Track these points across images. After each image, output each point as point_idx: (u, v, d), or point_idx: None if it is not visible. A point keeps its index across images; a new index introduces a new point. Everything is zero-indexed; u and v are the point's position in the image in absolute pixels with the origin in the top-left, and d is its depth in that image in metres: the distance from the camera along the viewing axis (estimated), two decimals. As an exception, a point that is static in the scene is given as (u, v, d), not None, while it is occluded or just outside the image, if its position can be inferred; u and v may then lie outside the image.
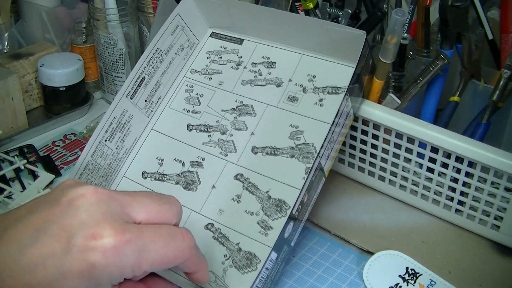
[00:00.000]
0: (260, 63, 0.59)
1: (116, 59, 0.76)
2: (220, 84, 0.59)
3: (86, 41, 0.80)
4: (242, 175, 0.53)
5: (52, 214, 0.35)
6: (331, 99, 0.54)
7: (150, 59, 0.57)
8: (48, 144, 0.72)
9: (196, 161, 0.55)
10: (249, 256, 0.49)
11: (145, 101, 0.57)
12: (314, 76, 0.56)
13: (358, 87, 0.54)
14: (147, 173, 0.56)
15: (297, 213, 0.47)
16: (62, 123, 0.75)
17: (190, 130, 0.57)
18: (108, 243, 0.34)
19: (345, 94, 0.50)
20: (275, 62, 0.58)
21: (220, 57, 0.61)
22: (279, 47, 0.59)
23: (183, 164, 0.55)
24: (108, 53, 0.75)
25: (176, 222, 0.40)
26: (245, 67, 0.59)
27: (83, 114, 0.77)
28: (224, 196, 0.52)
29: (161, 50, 0.58)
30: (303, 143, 0.52)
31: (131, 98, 0.56)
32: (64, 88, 0.74)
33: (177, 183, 0.55)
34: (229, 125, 0.56)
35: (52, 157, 0.69)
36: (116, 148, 0.56)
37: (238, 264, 0.48)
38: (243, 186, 0.52)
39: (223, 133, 0.56)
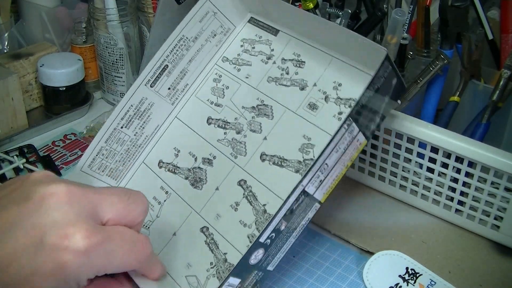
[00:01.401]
0: (290, 59, 0.56)
1: (116, 59, 0.76)
2: (247, 77, 0.57)
3: (86, 41, 0.80)
4: (245, 181, 0.52)
5: (24, 211, 0.36)
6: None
7: (174, 47, 0.56)
8: (48, 144, 0.72)
9: (208, 158, 0.55)
10: (231, 269, 0.47)
11: (168, 88, 0.57)
12: (340, 84, 0.52)
13: (373, 110, 0.49)
14: (163, 162, 0.56)
15: (269, 240, 0.44)
16: (62, 123, 0.75)
17: (209, 124, 0.57)
18: (80, 244, 0.35)
19: (347, 117, 0.45)
20: (304, 61, 0.55)
21: (253, 47, 0.58)
22: (312, 44, 0.55)
23: (196, 159, 0.55)
24: (108, 53, 0.75)
25: (141, 220, 0.41)
26: (274, 62, 0.57)
27: (83, 114, 0.77)
28: (224, 200, 0.52)
29: (187, 38, 0.57)
30: (311, 159, 0.50)
31: (151, 86, 0.56)
32: (64, 88, 0.74)
33: (186, 178, 0.54)
34: (246, 125, 0.55)
35: (52, 157, 0.69)
36: (135, 135, 0.56)
37: (221, 275, 0.48)
38: (243, 194, 0.51)
39: (238, 133, 0.55)
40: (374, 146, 0.59)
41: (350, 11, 0.65)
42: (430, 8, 0.61)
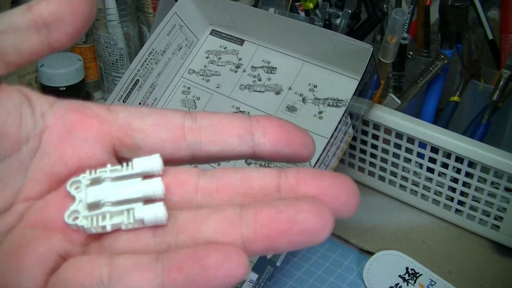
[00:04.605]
0: (260, 67, 0.57)
1: (116, 59, 0.76)
2: (217, 87, 0.58)
3: (86, 41, 0.80)
4: None
5: None
6: (331, 112, 0.53)
7: (145, 61, 0.57)
8: (48, 144, 0.71)
9: None
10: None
11: (139, 104, 0.57)
12: (315, 86, 0.54)
13: (360, 103, 0.52)
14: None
15: None
16: (62, 123, 0.75)
17: None
18: None
19: (345, 110, 0.48)
20: (275, 68, 0.57)
21: (219, 58, 0.60)
22: (281, 51, 0.57)
23: None
24: (108, 53, 0.75)
25: None
26: (244, 71, 0.58)
27: (83, 114, 0.77)
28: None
29: (156, 51, 0.57)
30: None
31: (123, 102, 0.55)
32: (64, 88, 0.74)
33: None
34: None
35: (52, 157, 0.68)
36: None
37: None
38: None
39: None
40: (374, 146, 0.59)
41: (350, 11, 0.65)
42: (430, 8, 0.61)
